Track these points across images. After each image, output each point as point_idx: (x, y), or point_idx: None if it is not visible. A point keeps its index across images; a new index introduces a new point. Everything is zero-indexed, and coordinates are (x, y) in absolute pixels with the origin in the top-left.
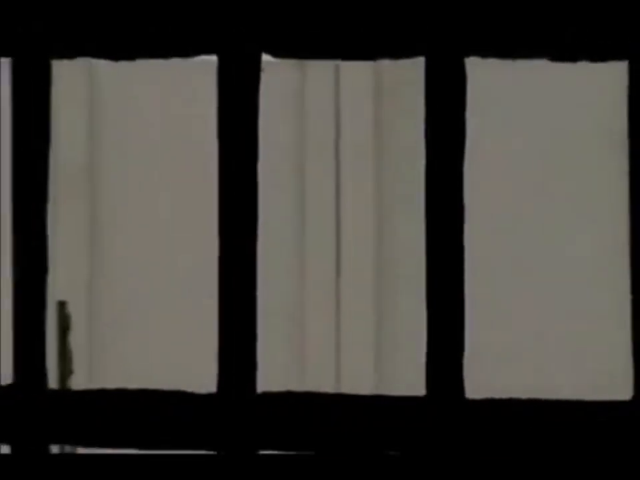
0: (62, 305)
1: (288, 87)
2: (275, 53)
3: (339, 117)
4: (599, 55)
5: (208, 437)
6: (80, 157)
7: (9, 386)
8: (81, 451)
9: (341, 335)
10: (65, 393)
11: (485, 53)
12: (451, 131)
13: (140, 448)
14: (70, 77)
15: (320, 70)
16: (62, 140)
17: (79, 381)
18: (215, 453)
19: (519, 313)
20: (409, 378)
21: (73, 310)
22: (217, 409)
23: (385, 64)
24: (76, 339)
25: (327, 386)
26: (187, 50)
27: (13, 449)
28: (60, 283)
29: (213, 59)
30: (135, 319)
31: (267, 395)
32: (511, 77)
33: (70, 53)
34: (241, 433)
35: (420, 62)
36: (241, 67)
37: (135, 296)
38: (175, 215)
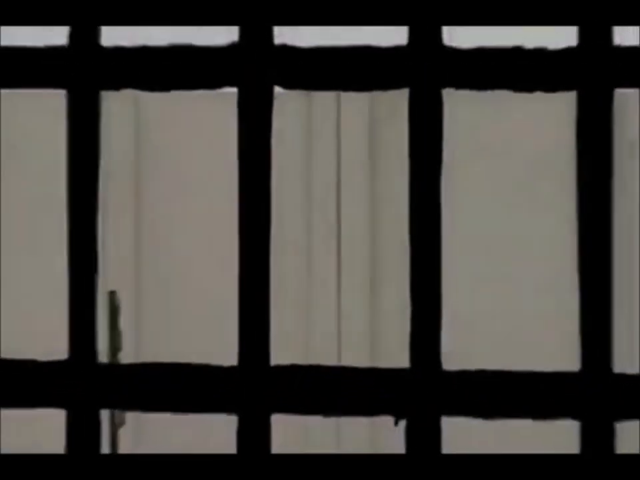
0: (112, 294)
1: (296, 112)
2: (285, 85)
3: (340, 136)
4: (551, 86)
5: (231, 402)
6: (126, 166)
7: (65, 360)
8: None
9: (341, 321)
10: (113, 366)
11: (459, 85)
12: (430, 150)
13: (175, 411)
14: (118, 102)
15: (323, 99)
16: (112, 148)
17: (127, 357)
18: (236, 416)
19: (490, 302)
20: (400, 353)
21: (122, 297)
22: (238, 379)
23: (379, 94)
24: (124, 322)
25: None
26: (213, 83)
27: (68, 414)
28: (111, 275)
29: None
30: (174, 305)
31: (279, 367)
32: (482, 107)
33: (116, 85)
34: (258, 398)
35: (406, 92)
36: (257, 97)
37: (173, 285)
38: (209, 215)
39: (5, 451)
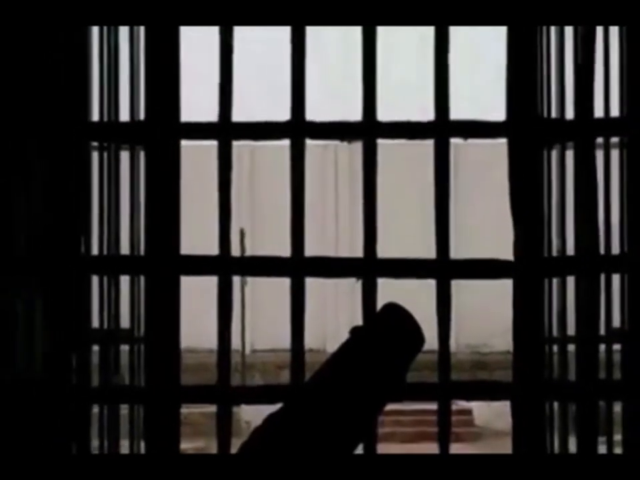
0: (242, 231)
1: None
2: (311, 137)
3: (337, 165)
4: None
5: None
6: (244, 180)
7: (218, 255)
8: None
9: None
10: (240, 257)
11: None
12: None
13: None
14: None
15: (330, 145)
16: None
17: None
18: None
19: None
20: None
21: (247, 232)
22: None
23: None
24: (247, 243)
25: None
26: (277, 137)
27: (219, 280)
28: (242, 221)
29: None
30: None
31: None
32: None
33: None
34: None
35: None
36: (298, 144)
37: (269, 230)
38: (285, 200)
39: None
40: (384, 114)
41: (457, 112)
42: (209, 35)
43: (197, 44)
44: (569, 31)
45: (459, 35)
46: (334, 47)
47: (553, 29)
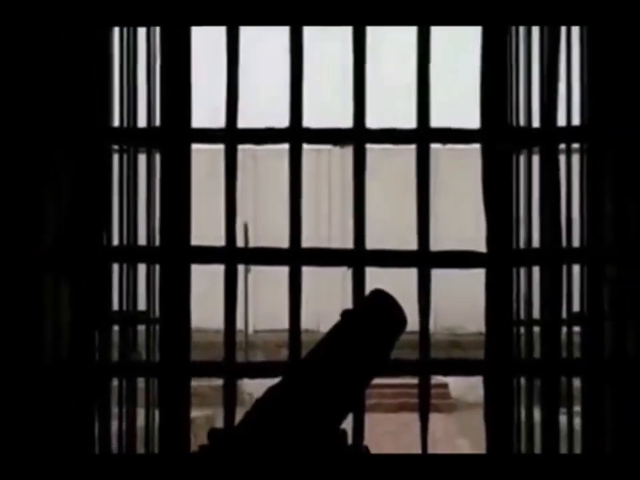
0: (245, 225)
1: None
2: (308, 142)
3: (330, 166)
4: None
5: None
6: (248, 183)
7: (225, 246)
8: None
9: None
10: (245, 248)
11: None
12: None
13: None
14: (243, 155)
15: (323, 150)
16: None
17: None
18: None
19: None
20: None
21: (250, 227)
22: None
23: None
24: (251, 235)
25: None
26: (278, 141)
27: (226, 269)
28: (246, 217)
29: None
30: (270, 231)
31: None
32: None
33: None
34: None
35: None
36: (296, 148)
37: (269, 225)
38: (285, 204)
39: None
40: (382, 117)
41: (438, 119)
42: (216, 51)
43: (204, 57)
44: (535, 49)
45: (440, 53)
46: (330, 53)
47: (521, 48)
